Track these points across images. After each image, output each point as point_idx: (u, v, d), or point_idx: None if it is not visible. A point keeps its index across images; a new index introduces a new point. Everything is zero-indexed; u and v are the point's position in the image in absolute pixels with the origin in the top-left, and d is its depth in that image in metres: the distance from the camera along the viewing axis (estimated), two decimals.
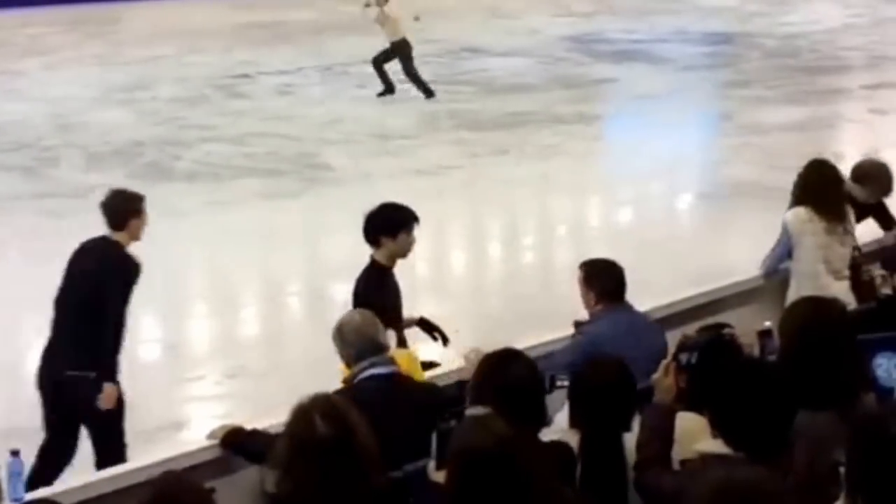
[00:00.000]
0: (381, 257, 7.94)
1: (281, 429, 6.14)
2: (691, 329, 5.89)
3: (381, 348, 6.13)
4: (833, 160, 8.93)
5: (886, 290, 7.35)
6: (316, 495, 4.17)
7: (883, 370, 6.41)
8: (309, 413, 4.28)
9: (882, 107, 20.74)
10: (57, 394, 8.07)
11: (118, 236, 8.47)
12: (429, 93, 21.10)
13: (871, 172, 9.20)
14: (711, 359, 5.21)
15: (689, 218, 15.42)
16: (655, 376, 5.16)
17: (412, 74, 21.30)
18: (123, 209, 8.61)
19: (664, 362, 5.31)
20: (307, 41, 26.78)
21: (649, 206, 15.03)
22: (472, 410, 5.08)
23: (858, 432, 3.78)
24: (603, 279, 7.24)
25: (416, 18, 20.07)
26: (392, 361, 6.15)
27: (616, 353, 6.66)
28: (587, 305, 7.23)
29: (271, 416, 6.50)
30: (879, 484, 3.67)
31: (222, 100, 21.45)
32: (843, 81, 22.85)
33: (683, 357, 5.30)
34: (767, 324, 5.72)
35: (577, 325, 7.34)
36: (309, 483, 4.18)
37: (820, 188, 8.40)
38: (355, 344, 6.12)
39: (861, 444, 3.74)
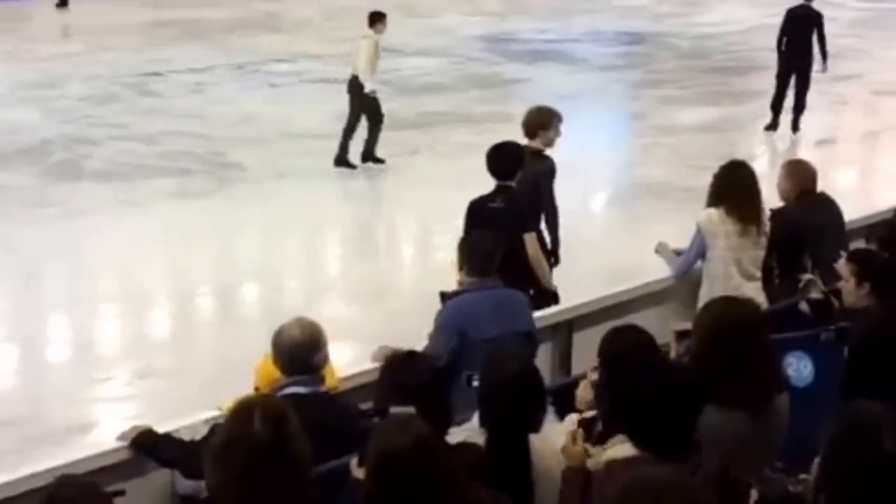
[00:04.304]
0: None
1: (191, 431, 6.16)
2: (603, 330, 5.88)
3: (309, 368, 6.03)
4: (745, 161, 8.99)
5: (816, 295, 7.39)
6: (241, 492, 4.14)
7: (793, 369, 6.47)
8: (250, 410, 4.24)
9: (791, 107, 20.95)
10: None
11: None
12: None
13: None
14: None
15: (602, 218, 15.49)
16: (563, 444, 5.07)
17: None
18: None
19: (583, 383, 5.35)
20: (219, 39, 26.60)
21: (561, 207, 15.06)
22: (396, 409, 5.07)
23: (845, 436, 3.74)
24: (470, 253, 7.49)
25: None
26: (319, 380, 6.07)
27: (477, 327, 7.05)
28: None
29: (182, 417, 6.45)
30: (852, 491, 3.65)
31: (133, 98, 21.21)
32: (755, 82, 23.02)
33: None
34: (686, 324, 5.72)
35: (443, 295, 7.56)
36: (236, 478, 4.15)
37: (734, 190, 8.40)
38: (285, 357, 6.05)
39: (844, 451, 3.72)
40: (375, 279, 13.40)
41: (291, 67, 23.93)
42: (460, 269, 7.50)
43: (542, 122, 10.27)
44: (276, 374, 6.16)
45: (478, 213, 9.18)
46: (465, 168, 16.76)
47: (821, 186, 9.38)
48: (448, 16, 29.91)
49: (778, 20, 19.56)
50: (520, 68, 24.14)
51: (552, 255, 10.13)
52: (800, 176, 9.12)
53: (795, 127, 19.13)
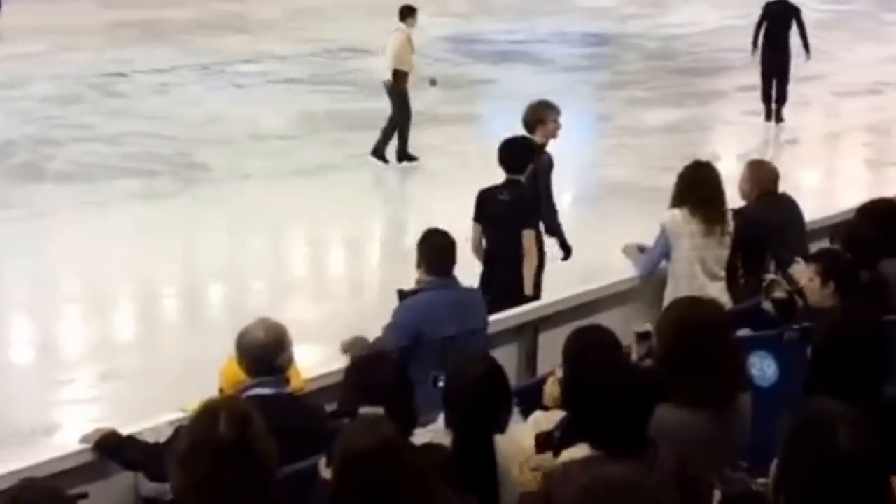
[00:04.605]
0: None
1: (155, 433, 6.13)
2: (569, 330, 5.90)
3: (273, 369, 6.02)
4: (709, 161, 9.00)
5: (780, 294, 7.41)
6: (205, 494, 4.13)
7: (756, 369, 6.49)
8: (216, 412, 4.22)
9: (757, 109, 21.04)
10: None
11: None
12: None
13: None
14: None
15: (568, 218, 15.43)
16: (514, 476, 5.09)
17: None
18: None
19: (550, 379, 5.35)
20: (183, 40, 26.51)
21: None
22: (365, 409, 5.05)
23: (802, 434, 3.75)
24: (429, 252, 7.56)
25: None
26: (283, 382, 6.06)
27: (435, 326, 7.16)
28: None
29: (146, 419, 6.42)
30: (809, 489, 3.66)
31: (97, 99, 21.13)
32: (719, 83, 23.14)
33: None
34: (647, 326, 5.73)
35: (401, 293, 7.59)
36: (201, 481, 4.13)
37: (698, 190, 8.43)
38: (249, 359, 6.05)
39: (801, 449, 3.72)
40: (341, 280, 13.40)
41: (257, 68, 23.88)
42: (418, 267, 7.55)
43: (539, 116, 10.42)
44: (240, 375, 6.15)
45: (488, 202, 9.47)
46: (431, 168, 16.84)
47: (784, 186, 9.41)
48: None
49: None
50: (486, 69, 24.14)
51: (562, 247, 10.61)
52: (761, 176, 9.16)
53: (779, 118, 19.97)
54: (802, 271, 6.99)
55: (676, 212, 8.41)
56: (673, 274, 8.48)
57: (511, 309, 8.53)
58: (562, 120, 10.50)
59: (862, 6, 31.88)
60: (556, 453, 4.76)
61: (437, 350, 7.10)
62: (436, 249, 7.56)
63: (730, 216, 8.50)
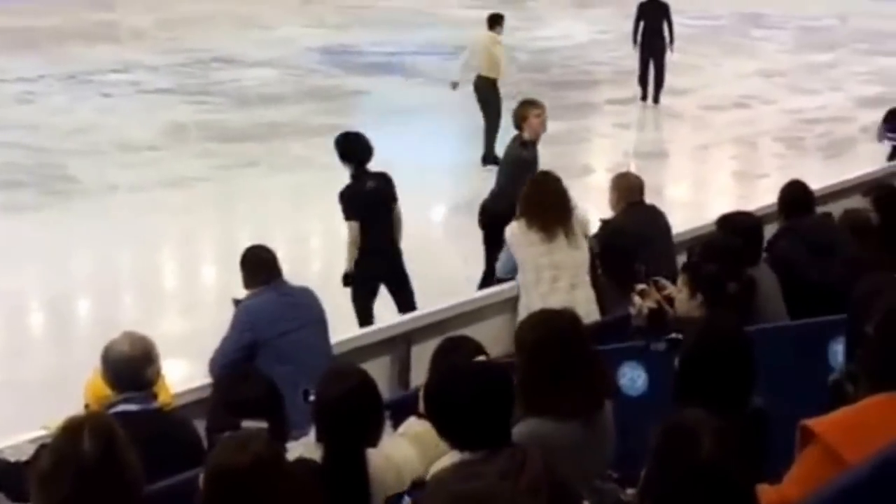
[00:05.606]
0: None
1: (17, 451, 5.99)
2: (435, 343, 5.90)
3: (140, 384, 5.92)
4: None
5: (649, 304, 7.47)
6: None
7: (627, 379, 6.55)
8: (79, 428, 4.14)
9: (626, 121, 21.32)
10: None
11: None
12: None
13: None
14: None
15: (439, 232, 15.53)
16: None
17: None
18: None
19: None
20: (50, 48, 26.09)
21: (403, 220, 15.05)
22: (248, 423, 4.99)
23: (667, 443, 3.76)
24: (252, 266, 7.83)
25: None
26: (151, 397, 5.97)
27: (272, 324, 7.47)
28: None
29: (6, 437, 6.28)
30: (674, 498, 3.66)
31: None
32: (590, 96, 23.35)
33: None
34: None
35: (236, 301, 7.82)
36: (64, 500, 4.05)
37: (534, 199, 8.61)
38: (114, 374, 5.95)
39: (666, 458, 3.74)
40: (209, 293, 13.26)
41: (125, 77, 23.58)
42: (245, 286, 7.77)
43: (523, 115, 11.27)
44: (105, 390, 6.05)
45: (361, 196, 10.10)
46: (302, 180, 16.74)
47: (653, 199, 9.51)
48: (288, 27, 29.75)
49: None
50: (359, 81, 24.09)
51: None
52: (625, 188, 9.30)
53: (657, 100, 22.17)
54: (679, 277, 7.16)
55: (514, 224, 8.59)
56: (523, 284, 8.60)
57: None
58: (545, 115, 11.33)
59: (730, 21, 32.42)
60: None
61: (275, 348, 7.38)
62: (258, 265, 7.80)
63: (580, 222, 8.65)
